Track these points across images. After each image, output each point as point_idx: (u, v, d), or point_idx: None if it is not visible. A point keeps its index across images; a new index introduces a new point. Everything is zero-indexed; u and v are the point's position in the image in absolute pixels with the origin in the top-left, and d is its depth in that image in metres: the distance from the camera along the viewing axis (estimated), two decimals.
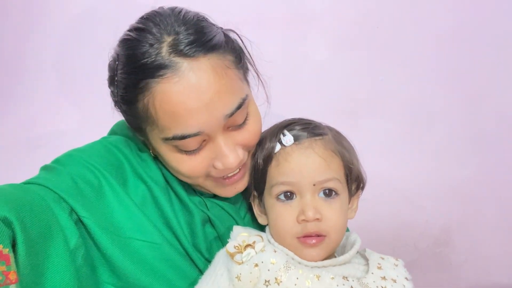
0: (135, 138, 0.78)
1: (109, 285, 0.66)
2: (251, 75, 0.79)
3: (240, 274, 0.64)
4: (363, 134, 1.26)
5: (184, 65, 0.62)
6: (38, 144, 1.19)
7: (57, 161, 0.71)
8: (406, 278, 0.68)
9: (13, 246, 0.52)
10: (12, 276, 0.48)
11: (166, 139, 0.66)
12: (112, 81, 0.70)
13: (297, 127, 0.71)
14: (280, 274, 0.63)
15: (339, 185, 0.68)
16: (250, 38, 0.86)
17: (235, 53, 0.70)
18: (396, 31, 1.26)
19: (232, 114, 0.66)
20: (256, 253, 0.65)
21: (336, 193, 0.68)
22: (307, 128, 0.70)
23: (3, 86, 1.20)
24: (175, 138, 0.65)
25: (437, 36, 1.26)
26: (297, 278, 0.63)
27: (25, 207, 0.56)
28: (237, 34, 0.75)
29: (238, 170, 0.71)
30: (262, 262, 0.64)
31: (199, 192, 0.77)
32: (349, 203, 0.73)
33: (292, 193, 0.68)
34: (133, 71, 0.64)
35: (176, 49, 0.62)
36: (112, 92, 0.71)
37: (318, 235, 0.66)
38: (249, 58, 0.78)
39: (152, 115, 0.65)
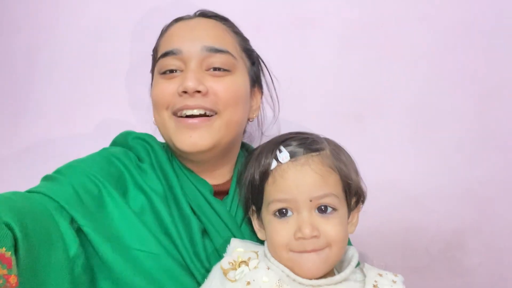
0: (136, 149, 0.81)
1: None
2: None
3: None
4: (370, 136, 1.26)
5: (198, 18, 0.83)
6: (53, 154, 1.21)
7: (58, 171, 0.73)
8: None
9: (15, 251, 0.52)
10: (13, 279, 0.49)
11: (157, 62, 0.79)
12: (152, 54, 0.87)
13: (294, 143, 0.70)
14: None
15: (336, 201, 0.68)
16: (252, 41, 0.88)
17: (244, 42, 0.85)
18: (401, 30, 1.24)
19: (210, 49, 0.76)
20: (250, 270, 0.65)
21: (334, 209, 0.67)
22: (304, 144, 0.70)
23: (17, 97, 1.22)
24: (161, 56, 0.78)
25: (444, 34, 1.24)
26: None
27: (27, 215, 0.56)
28: (262, 61, 0.92)
29: (195, 106, 0.74)
30: (254, 280, 0.64)
31: (197, 194, 0.77)
32: (348, 217, 0.72)
33: (288, 210, 0.67)
34: (168, 24, 0.85)
35: (202, 12, 0.85)
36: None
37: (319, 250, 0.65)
38: (264, 68, 0.92)
39: (158, 47, 0.82)
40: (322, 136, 0.75)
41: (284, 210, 0.68)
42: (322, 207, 0.67)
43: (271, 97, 0.95)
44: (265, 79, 0.91)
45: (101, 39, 1.21)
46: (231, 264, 0.66)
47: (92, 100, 1.23)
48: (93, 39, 1.22)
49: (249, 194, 0.75)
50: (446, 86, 1.26)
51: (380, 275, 0.70)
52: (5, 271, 0.48)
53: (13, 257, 0.50)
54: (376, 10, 1.23)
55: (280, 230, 0.67)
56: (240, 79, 0.79)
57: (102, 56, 1.22)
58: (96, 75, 1.22)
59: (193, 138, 0.73)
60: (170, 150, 0.83)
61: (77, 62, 1.22)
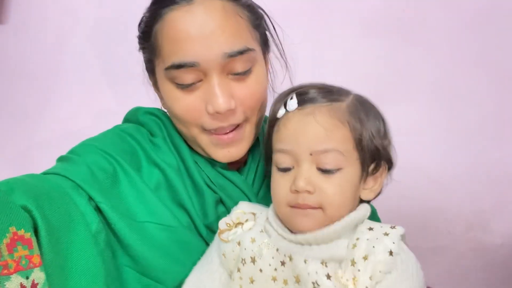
0: (148, 124, 0.80)
1: (128, 267, 0.66)
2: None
3: (225, 251, 0.64)
4: (392, 119, 1.22)
5: (199, 0, 0.67)
6: (82, 136, 1.23)
7: (72, 151, 0.72)
8: (389, 251, 0.55)
9: (35, 233, 0.52)
10: (36, 259, 0.49)
11: (166, 69, 0.68)
12: (142, 35, 0.75)
13: (312, 91, 0.64)
14: (255, 253, 0.62)
15: (341, 159, 0.60)
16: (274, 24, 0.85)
17: (254, 16, 0.73)
18: (422, 15, 1.22)
19: (231, 55, 0.66)
20: (244, 231, 0.64)
21: (338, 168, 0.60)
22: (321, 93, 0.63)
23: (43, 83, 1.23)
24: (173, 66, 0.67)
25: (465, 19, 1.22)
26: (273, 258, 0.61)
27: (43, 196, 0.56)
28: (265, 12, 0.78)
29: (231, 129, 0.70)
30: (243, 241, 0.63)
31: (211, 167, 0.76)
32: (363, 181, 0.64)
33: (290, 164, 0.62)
34: (154, 3, 0.71)
35: None
36: (140, 46, 0.76)
37: (310, 207, 0.59)
38: (276, 38, 0.81)
39: (159, 43, 0.69)
40: (354, 92, 0.67)
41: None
42: (326, 166, 0.60)
43: (280, 55, 0.86)
44: (272, 37, 0.83)
45: (127, 26, 1.22)
46: (228, 225, 0.65)
47: (115, 85, 1.24)
48: (117, 26, 1.21)
49: (264, 150, 0.71)
50: (467, 69, 1.24)
51: (371, 228, 0.60)
52: (26, 252, 0.48)
53: (33, 238, 0.50)
54: None
55: (279, 182, 0.63)
56: (261, 71, 0.74)
57: (125, 43, 1.22)
58: (122, 61, 1.22)
59: (231, 152, 0.72)
60: None
61: (100, 50, 1.23)
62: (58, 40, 1.22)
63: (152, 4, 0.71)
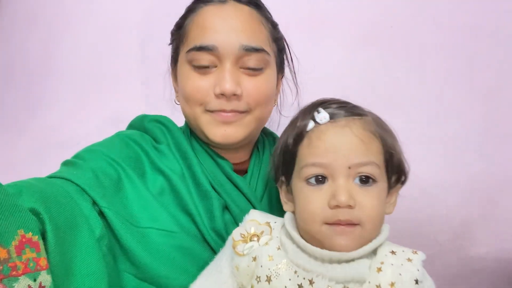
0: (152, 131, 0.82)
1: (128, 274, 0.67)
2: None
3: (239, 265, 0.62)
4: None
5: (231, 2, 0.77)
6: (71, 144, 1.21)
7: (77, 156, 0.73)
8: (415, 280, 0.57)
9: (42, 235, 0.53)
10: (43, 262, 0.50)
11: (188, 52, 0.75)
12: (174, 27, 0.83)
13: (334, 105, 0.64)
14: (272, 273, 0.59)
15: (378, 172, 0.60)
16: None
17: (275, 31, 0.81)
18: (410, 30, 1.25)
19: (247, 49, 0.73)
20: (260, 245, 0.62)
21: (374, 180, 0.60)
22: (345, 107, 0.64)
23: (36, 88, 1.23)
24: (194, 48, 0.74)
25: (451, 34, 1.25)
26: (290, 280, 0.58)
27: (50, 199, 0.57)
28: (286, 42, 0.88)
29: (230, 111, 0.74)
30: (259, 257, 0.61)
31: (218, 170, 0.78)
32: (387, 195, 0.65)
33: (324, 177, 0.60)
34: (193, 2, 0.80)
35: None
36: (171, 39, 0.85)
37: (350, 224, 0.58)
38: (289, 59, 0.90)
39: (187, 30, 0.78)
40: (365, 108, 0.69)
41: (320, 177, 0.60)
42: (364, 178, 0.59)
43: (292, 79, 0.93)
44: (287, 61, 0.90)
45: (119, 33, 1.22)
46: (242, 236, 0.63)
47: (105, 92, 1.23)
48: (109, 33, 1.22)
49: (280, 162, 0.67)
50: (454, 82, 1.27)
51: (393, 252, 0.60)
52: (34, 255, 0.49)
53: (41, 241, 0.51)
54: (386, 12, 1.25)
55: (313, 198, 0.60)
56: (271, 75, 0.79)
57: (115, 50, 1.22)
58: (116, 67, 1.22)
59: (227, 132, 0.75)
60: (190, 131, 0.84)
61: (90, 56, 1.22)
62: (47, 45, 1.21)
63: (192, 3, 0.80)
